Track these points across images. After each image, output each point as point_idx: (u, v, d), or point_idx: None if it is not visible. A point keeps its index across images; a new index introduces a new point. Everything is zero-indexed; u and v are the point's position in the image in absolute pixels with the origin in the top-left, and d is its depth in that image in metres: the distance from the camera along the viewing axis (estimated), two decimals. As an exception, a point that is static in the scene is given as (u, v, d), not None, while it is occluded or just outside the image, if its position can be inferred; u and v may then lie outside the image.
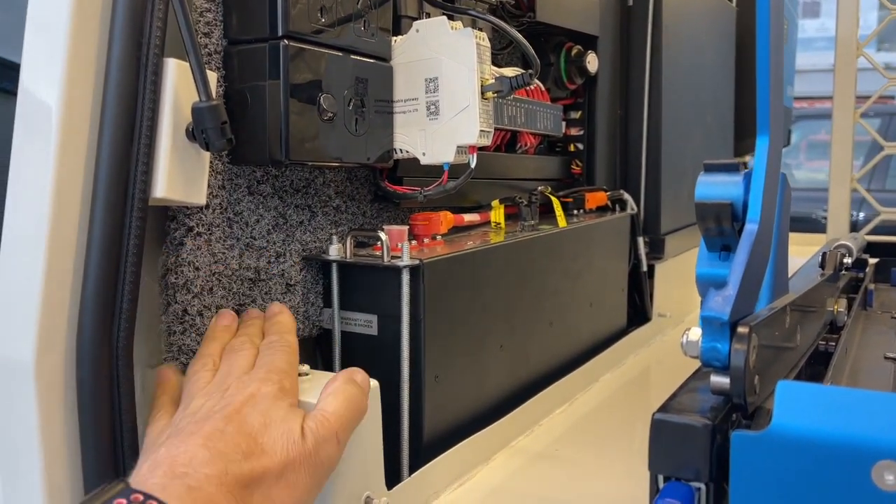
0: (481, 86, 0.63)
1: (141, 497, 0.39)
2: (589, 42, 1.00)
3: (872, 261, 1.05)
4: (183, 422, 0.48)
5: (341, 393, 0.51)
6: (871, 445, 0.34)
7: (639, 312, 1.12)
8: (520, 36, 0.63)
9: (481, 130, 0.63)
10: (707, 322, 0.39)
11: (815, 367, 0.66)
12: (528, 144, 0.92)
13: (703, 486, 0.39)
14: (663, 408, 0.40)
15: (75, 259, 0.49)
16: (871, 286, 0.97)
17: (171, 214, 0.56)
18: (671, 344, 1.14)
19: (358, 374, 0.54)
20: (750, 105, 1.36)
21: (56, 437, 0.49)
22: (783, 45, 0.45)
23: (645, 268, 1.09)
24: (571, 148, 1.05)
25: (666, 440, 0.39)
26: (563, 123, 1.00)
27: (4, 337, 0.49)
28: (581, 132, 1.04)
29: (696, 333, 0.40)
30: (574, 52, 0.97)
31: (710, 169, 0.45)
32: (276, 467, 0.45)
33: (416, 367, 0.64)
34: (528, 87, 0.63)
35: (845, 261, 0.74)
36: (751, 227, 0.41)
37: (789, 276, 0.94)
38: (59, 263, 0.49)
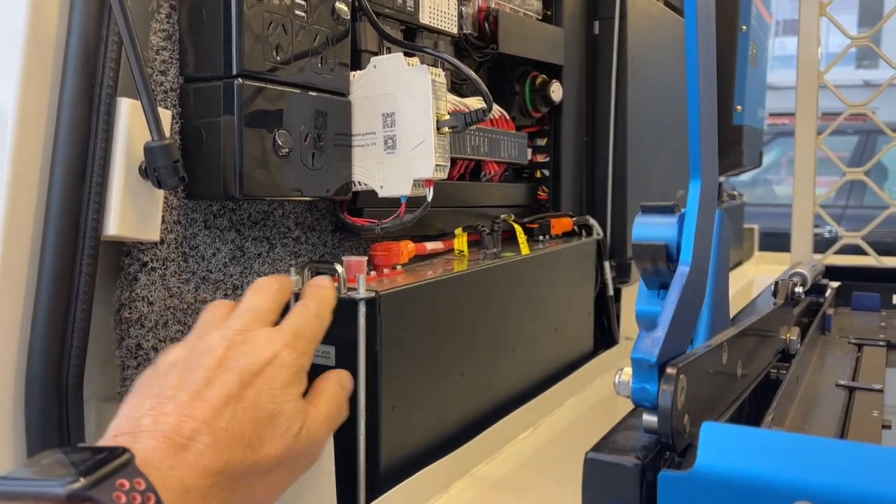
0: (437, 121, 0.64)
1: (143, 485, 0.37)
2: (554, 71, 1.02)
3: (834, 284, 1.07)
4: (197, 358, 0.46)
5: (334, 396, 0.52)
6: (790, 485, 0.35)
7: (606, 336, 1.13)
8: (473, 73, 0.65)
9: (437, 165, 0.64)
10: (637, 363, 0.40)
11: (766, 396, 0.67)
12: (493, 172, 0.93)
13: (634, 526, 0.40)
14: (597, 447, 0.41)
15: (24, 297, 0.50)
16: (830, 311, 0.98)
17: (125, 249, 0.57)
18: (638, 367, 1.15)
19: (346, 378, 0.54)
20: (720, 128, 1.37)
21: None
22: (715, 87, 0.47)
23: (612, 292, 1.10)
24: (538, 174, 1.06)
25: (597, 479, 0.40)
26: (529, 150, 1.01)
27: (-48, 375, 0.49)
28: (547, 159, 1.05)
29: (627, 374, 0.41)
30: (538, 81, 0.99)
31: (646, 210, 0.46)
32: (268, 463, 0.45)
33: (373, 398, 0.64)
34: (490, 118, 0.64)
35: (797, 290, 0.75)
36: (682, 269, 0.43)
37: (750, 302, 0.95)
38: (6, 301, 0.49)
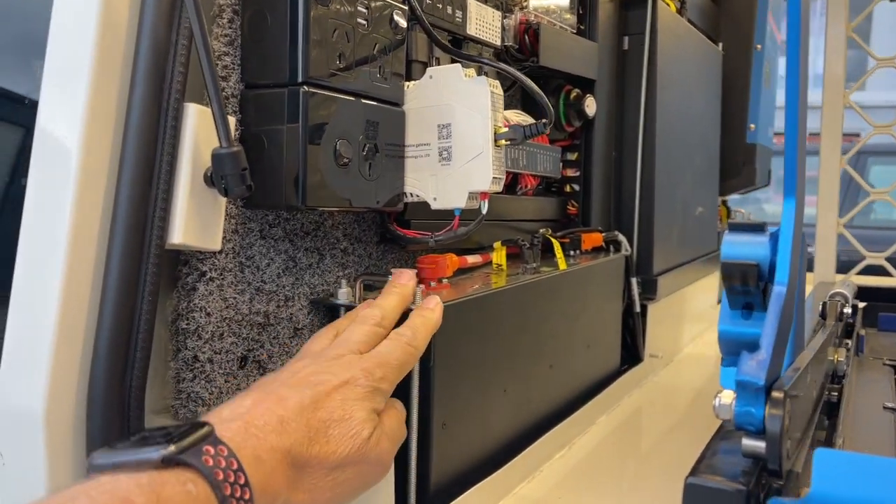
0: (494, 133, 0.63)
1: (225, 451, 0.40)
2: (587, 85, 1.01)
3: (861, 305, 1.06)
4: (282, 377, 0.50)
5: (398, 414, 0.55)
6: (910, 515, 0.34)
7: (631, 353, 1.12)
8: (534, 85, 0.64)
9: (494, 177, 0.63)
10: (742, 386, 0.39)
11: (818, 418, 0.66)
12: (528, 186, 0.92)
13: (737, 552, 0.38)
14: (695, 471, 0.40)
15: (89, 306, 0.48)
16: (862, 332, 0.98)
17: (183, 258, 0.55)
18: (662, 385, 1.14)
19: (400, 403, 0.57)
20: (733, 146, 1.38)
21: (65, 488, 0.47)
22: (806, 107, 0.46)
23: (638, 308, 1.09)
24: (568, 189, 1.05)
25: (700, 505, 0.38)
26: (560, 165, 1.01)
27: (14, 386, 0.47)
28: (577, 173, 1.05)
29: (728, 396, 0.40)
30: (573, 95, 0.98)
31: (735, 229, 0.45)
32: (333, 461, 0.47)
33: (425, 415, 0.63)
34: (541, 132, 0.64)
35: (845, 311, 0.75)
36: (779, 290, 0.42)
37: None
38: (72, 310, 0.48)
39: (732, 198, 1.89)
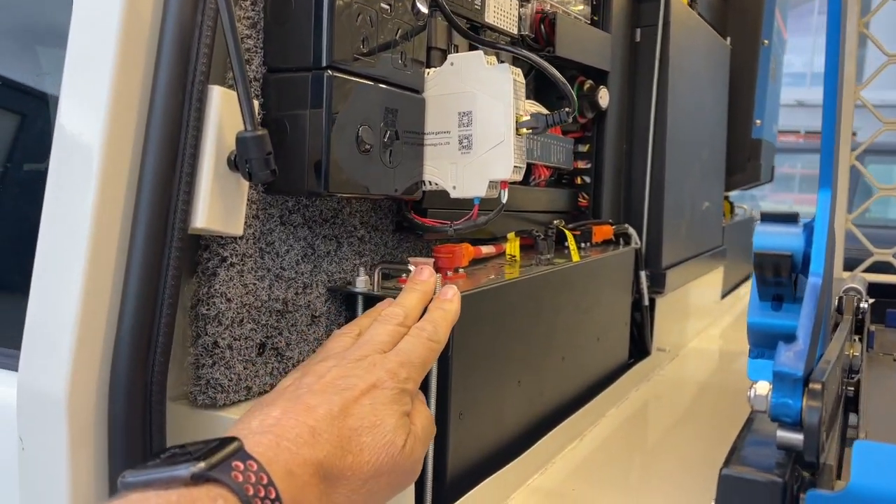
0: (516, 122, 0.63)
1: (255, 466, 0.39)
2: (600, 77, 1.01)
3: (870, 301, 1.06)
4: (307, 381, 0.49)
5: (427, 414, 0.54)
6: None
7: (638, 347, 1.12)
8: (557, 73, 0.63)
9: (515, 166, 0.63)
10: (779, 377, 0.39)
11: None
12: (542, 177, 0.92)
13: (771, 544, 0.38)
14: (728, 462, 0.40)
15: (112, 289, 0.48)
16: (872, 328, 0.98)
17: (203, 243, 0.55)
18: (669, 379, 1.14)
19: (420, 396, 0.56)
20: (738, 141, 1.37)
21: (86, 474, 0.47)
22: (842, 97, 0.46)
23: (647, 302, 1.09)
24: (578, 181, 1.05)
25: (734, 497, 0.38)
26: (573, 156, 1.00)
27: (37, 370, 0.47)
28: (588, 165, 1.04)
29: (763, 387, 0.40)
30: (587, 86, 0.98)
31: (768, 219, 0.45)
32: (367, 472, 0.46)
33: (443, 405, 0.63)
34: (559, 123, 0.63)
35: (861, 305, 0.75)
36: (815, 281, 0.41)
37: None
38: (95, 294, 0.47)
39: (731, 195, 1.89)
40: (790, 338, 0.40)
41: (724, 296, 1.64)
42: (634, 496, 0.74)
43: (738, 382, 1.20)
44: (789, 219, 0.44)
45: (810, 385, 0.38)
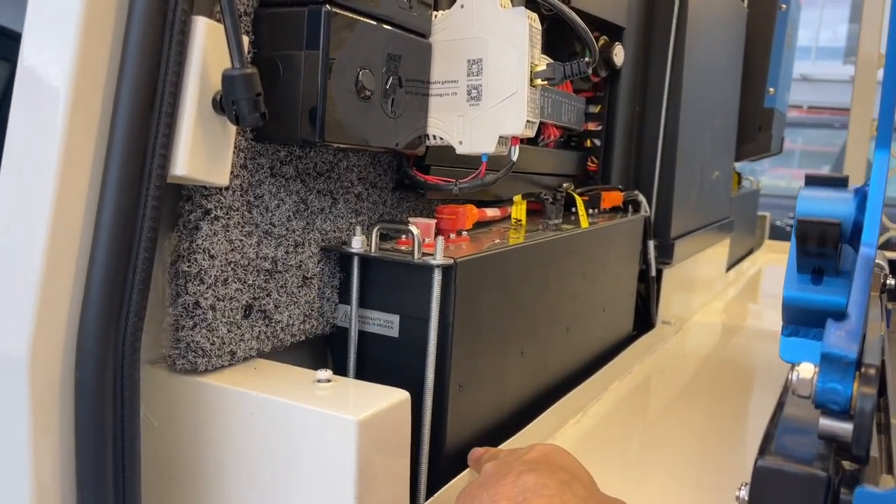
0: (531, 72, 0.57)
1: None
2: (614, 33, 0.95)
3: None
4: None
5: None
6: None
7: (643, 319, 1.08)
8: (577, 18, 0.58)
9: (528, 121, 0.58)
10: (828, 360, 0.34)
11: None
12: (551, 137, 0.87)
13: (809, 544, 0.34)
14: (764, 452, 0.35)
15: (80, 243, 0.43)
16: (890, 306, 0.94)
17: (185, 194, 0.50)
18: (673, 353, 1.10)
19: None
20: (750, 110, 1.31)
21: (49, 442, 0.43)
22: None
23: (654, 273, 1.05)
24: (588, 143, 1.00)
25: (772, 491, 0.34)
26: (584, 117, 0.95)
27: (-5, 328, 0.42)
28: (599, 127, 0.99)
29: (808, 370, 0.35)
30: (601, 42, 0.92)
31: (813, 182, 0.40)
32: None
33: (441, 375, 0.58)
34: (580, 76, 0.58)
35: (889, 282, 0.70)
36: (868, 253, 0.37)
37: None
38: (61, 247, 0.42)
39: (735, 165, 1.84)
40: (839, 315, 0.36)
41: (728, 269, 1.60)
42: (637, 472, 0.71)
43: (741, 357, 1.16)
44: (839, 182, 0.40)
45: (864, 369, 0.34)
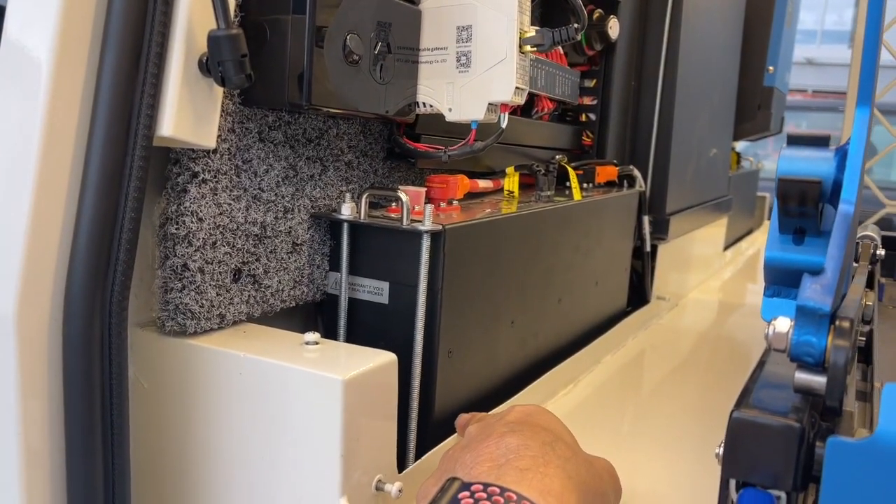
0: (520, 38, 0.57)
1: (497, 490, 0.39)
2: (610, 5, 0.95)
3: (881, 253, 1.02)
4: None
5: None
6: None
7: (637, 294, 1.08)
8: (567, -15, 0.58)
9: (517, 87, 0.58)
10: (803, 312, 0.35)
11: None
12: (545, 110, 0.87)
13: (783, 495, 0.35)
14: (740, 404, 0.36)
15: (66, 201, 0.43)
16: (882, 280, 0.94)
17: (173, 157, 0.50)
18: (667, 328, 1.11)
19: None
20: (749, 88, 1.30)
21: (37, 400, 0.43)
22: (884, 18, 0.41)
23: (649, 248, 1.05)
24: (583, 118, 1.00)
25: (746, 442, 0.35)
26: (578, 90, 0.95)
27: (-18, 284, 0.43)
28: (594, 102, 0.99)
29: (784, 324, 0.36)
30: (596, 15, 0.92)
31: (794, 142, 0.40)
32: None
33: (430, 341, 0.59)
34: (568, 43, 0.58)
35: (878, 252, 0.71)
36: (846, 209, 0.37)
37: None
38: (47, 205, 0.42)
39: (736, 146, 1.83)
40: (816, 271, 0.36)
41: (726, 248, 1.60)
42: (628, 442, 0.71)
43: (736, 333, 1.17)
44: (820, 141, 0.40)
45: (837, 322, 0.34)
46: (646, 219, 1.04)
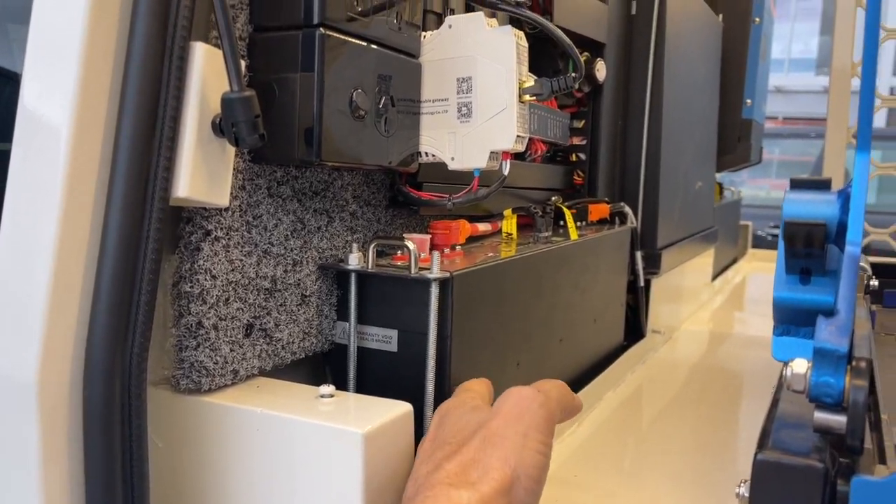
0: (519, 88, 0.59)
1: None
2: (596, 49, 0.97)
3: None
4: None
5: None
6: None
7: (633, 329, 1.09)
8: (564, 36, 0.60)
9: (518, 135, 0.59)
10: (821, 354, 0.36)
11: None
12: (538, 152, 0.88)
13: (810, 534, 0.35)
14: (763, 446, 0.37)
15: (86, 264, 0.44)
16: (874, 308, 0.96)
17: (186, 216, 0.51)
18: (663, 361, 1.12)
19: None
20: (729, 121, 1.34)
21: (59, 464, 0.43)
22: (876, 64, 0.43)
23: (642, 283, 1.06)
24: (573, 158, 1.02)
25: (772, 483, 0.35)
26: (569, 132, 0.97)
27: (4, 351, 0.43)
28: (583, 142, 1.01)
29: (801, 365, 0.37)
30: (583, 58, 0.94)
31: (798, 186, 0.42)
32: None
33: (441, 387, 0.59)
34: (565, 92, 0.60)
35: (871, 283, 0.72)
36: (852, 251, 0.38)
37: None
38: (68, 268, 0.43)
39: (717, 176, 1.87)
40: (828, 312, 0.37)
41: (714, 278, 1.62)
42: (637, 481, 0.71)
43: (729, 364, 1.18)
44: (822, 185, 0.41)
45: (855, 362, 0.35)
46: (638, 254, 1.05)
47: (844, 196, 0.40)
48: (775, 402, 0.43)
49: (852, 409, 0.34)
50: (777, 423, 0.40)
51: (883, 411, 0.53)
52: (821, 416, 0.36)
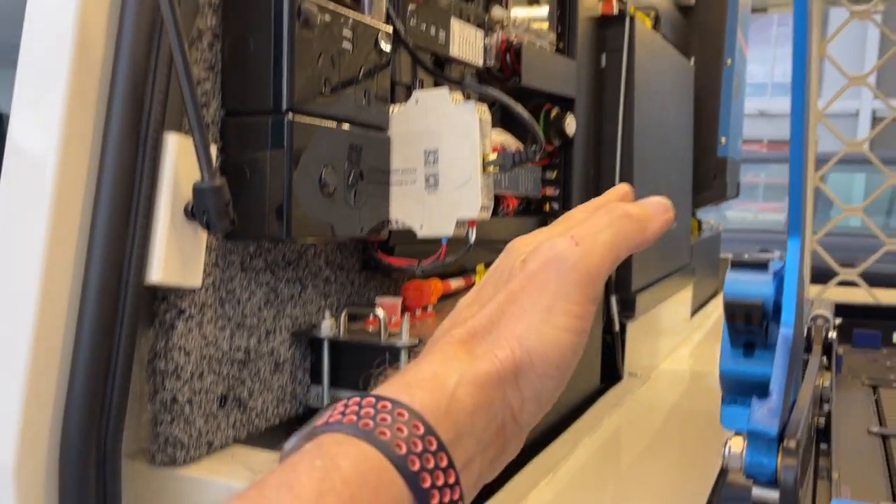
0: (483, 160, 0.62)
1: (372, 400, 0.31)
2: (566, 103, 1.00)
3: (836, 322, 1.07)
4: None
5: None
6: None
7: (610, 372, 1.11)
8: (524, 111, 0.62)
9: (482, 205, 0.62)
10: (754, 436, 0.38)
11: (808, 446, 0.66)
12: (510, 206, 0.91)
13: None
14: (706, 521, 0.39)
15: (62, 349, 0.46)
16: (840, 350, 0.99)
17: (160, 295, 0.53)
18: (641, 404, 1.13)
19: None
20: (704, 159, 1.37)
21: (34, 548, 0.44)
22: (808, 141, 0.45)
23: (617, 327, 1.09)
24: (547, 208, 1.04)
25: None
26: (541, 184, 1.00)
27: (-19, 439, 0.44)
28: (556, 192, 1.04)
29: (738, 445, 0.39)
30: (553, 113, 0.97)
31: (737, 266, 0.44)
32: None
33: (412, 449, 0.61)
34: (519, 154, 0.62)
35: (830, 335, 0.75)
36: (786, 332, 0.41)
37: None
38: (44, 356, 0.45)
39: (697, 211, 1.91)
40: (763, 390, 0.39)
41: (693, 314, 1.64)
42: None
43: (709, 405, 1.19)
44: (759, 266, 0.44)
45: (785, 442, 0.37)
46: (613, 298, 1.08)
47: (779, 277, 0.43)
48: (723, 472, 0.46)
49: (783, 487, 0.36)
50: (722, 496, 0.42)
51: (835, 469, 0.55)
52: (757, 492, 0.39)
